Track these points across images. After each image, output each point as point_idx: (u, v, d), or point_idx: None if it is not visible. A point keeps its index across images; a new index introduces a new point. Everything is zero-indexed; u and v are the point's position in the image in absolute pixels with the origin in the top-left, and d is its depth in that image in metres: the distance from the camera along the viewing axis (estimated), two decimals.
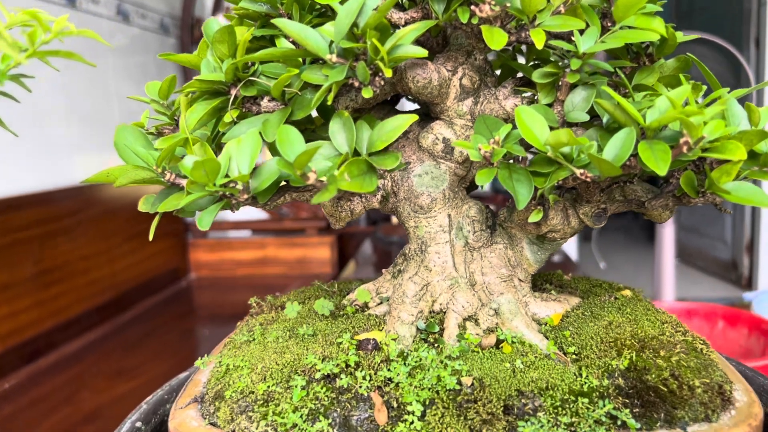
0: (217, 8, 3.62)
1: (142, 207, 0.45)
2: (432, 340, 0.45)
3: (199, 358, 0.48)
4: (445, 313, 0.47)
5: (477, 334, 0.45)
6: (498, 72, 0.46)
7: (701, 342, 0.45)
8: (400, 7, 0.42)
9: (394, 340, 0.44)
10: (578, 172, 0.36)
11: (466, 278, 0.47)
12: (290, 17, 0.41)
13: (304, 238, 2.85)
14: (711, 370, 0.41)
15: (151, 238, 0.44)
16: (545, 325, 0.47)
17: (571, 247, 3.43)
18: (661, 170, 0.32)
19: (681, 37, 0.42)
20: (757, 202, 0.36)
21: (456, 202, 0.48)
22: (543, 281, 0.58)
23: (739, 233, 3.91)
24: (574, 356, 0.43)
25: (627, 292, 0.55)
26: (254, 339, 0.48)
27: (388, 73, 0.34)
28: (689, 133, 0.33)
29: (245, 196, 0.37)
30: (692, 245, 4.45)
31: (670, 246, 2.65)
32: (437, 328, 0.46)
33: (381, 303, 0.50)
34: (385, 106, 0.51)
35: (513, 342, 0.44)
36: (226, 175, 0.37)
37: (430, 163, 0.47)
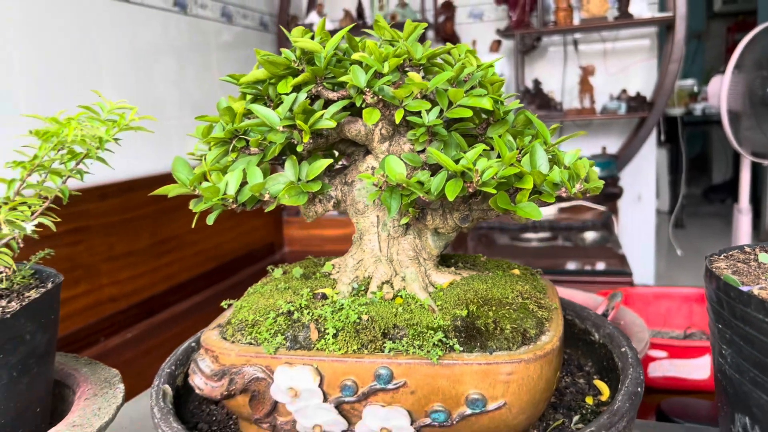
0: (310, 6, 3.95)
1: (191, 205, 0.75)
2: (359, 294, 0.71)
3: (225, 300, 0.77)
4: (371, 278, 0.73)
5: (387, 292, 0.71)
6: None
7: (537, 306, 0.68)
8: (334, 89, 0.68)
9: (337, 293, 0.71)
10: (422, 195, 0.61)
11: (387, 257, 0.73)
12: (269, 96, 0.68)
13: None
14: (525, 320, 0.65)
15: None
16: (436, 289, 0.72)
17: (649, 237, 3.52)
18: (450, 196, 0.57)
19: (512, 106, 0.65)
20: (529, 214, 0.59)
21: (383, 207, 0.73)
22: (463, 261, 0.82)
23: None
24: (439, 307, 0.67)
25: (516, 271, 0.78)
26: (257, 291, 0.76)
27: (305, 138, 0.60)
28: (472, 178, 0.57)
29: (235, 205, 0.64)
30: None
31: (746, 234, 2.70)
32: (363, 288, 0.72)
33: (339, 271, 0.77)
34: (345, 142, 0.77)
35: (406, 297, 0.69)
36: (225, 193, 0.65)
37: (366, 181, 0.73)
